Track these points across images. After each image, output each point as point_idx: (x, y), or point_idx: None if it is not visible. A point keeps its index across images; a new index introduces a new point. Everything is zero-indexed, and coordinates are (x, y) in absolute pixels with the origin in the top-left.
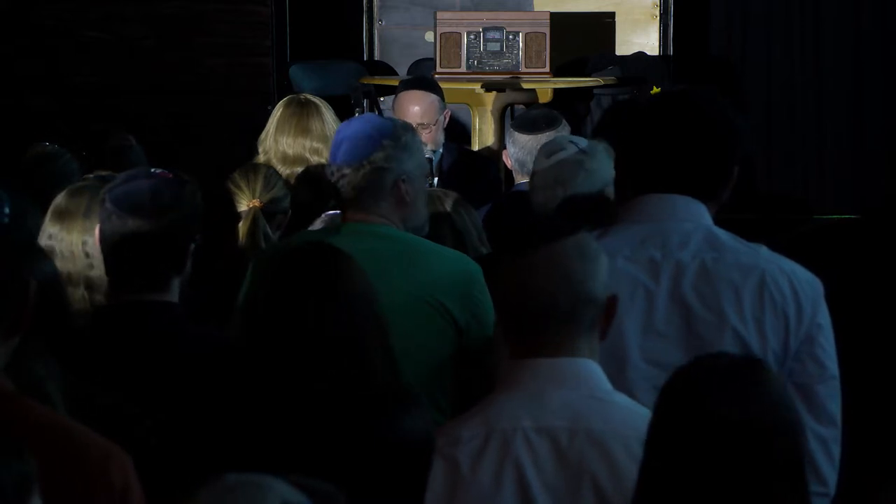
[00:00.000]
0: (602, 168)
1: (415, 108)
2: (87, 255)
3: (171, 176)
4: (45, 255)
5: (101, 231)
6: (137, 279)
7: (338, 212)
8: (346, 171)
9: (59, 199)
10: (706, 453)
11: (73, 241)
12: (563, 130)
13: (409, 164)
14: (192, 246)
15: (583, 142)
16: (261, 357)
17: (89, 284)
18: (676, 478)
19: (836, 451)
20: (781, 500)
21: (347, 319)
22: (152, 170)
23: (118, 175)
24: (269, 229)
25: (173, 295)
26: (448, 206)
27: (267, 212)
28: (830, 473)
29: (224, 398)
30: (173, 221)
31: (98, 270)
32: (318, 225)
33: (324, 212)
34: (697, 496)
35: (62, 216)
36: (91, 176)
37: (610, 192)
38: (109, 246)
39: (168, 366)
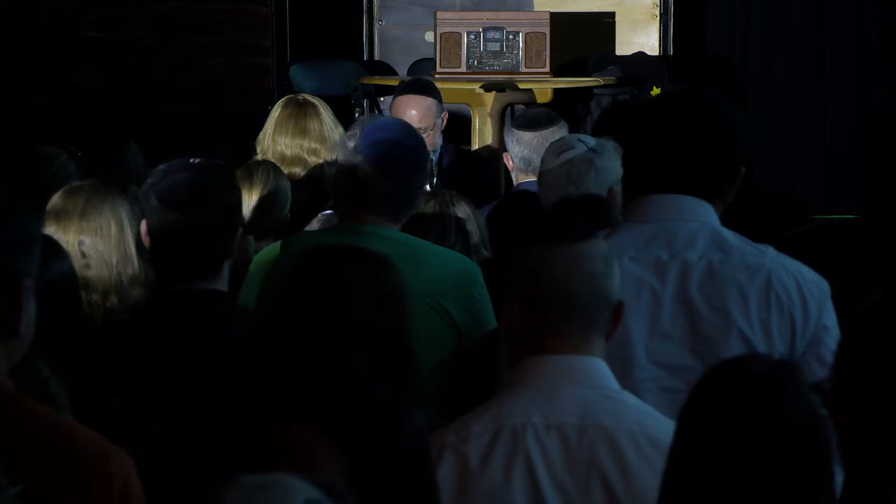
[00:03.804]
0: (611, 166)
1: (412, 112)
2: (83, 254)
3: (209, 164)
4: (62, 255)
5: (149, 226)
6: (188, 271)
7: (332, 212)
8: (398, 181)
9: (56, 199)
10: (739, 453)
11: (70, 241)
12: (563, 129)
13: (428, 169)
14: (240, 230)
15: (590, 140)
16: (266, 356)
17: (86, 284)
18: (707, 477)
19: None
20: (810, 500)
21: (377, 321)
22: (191, 160)
23: (157, 168)
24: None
25: (224, 281)
26: (456, 206)
27: (262, 230)
28: (835, 473)
29: (226, 393)
30: (218, 209)
31: (94, 270)
32: (315, 225)
33: (320, 212)
34: (727, 494)
35: (58, 216)
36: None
37: (619, 190)
38: (158, 241)
39: (218, 354)
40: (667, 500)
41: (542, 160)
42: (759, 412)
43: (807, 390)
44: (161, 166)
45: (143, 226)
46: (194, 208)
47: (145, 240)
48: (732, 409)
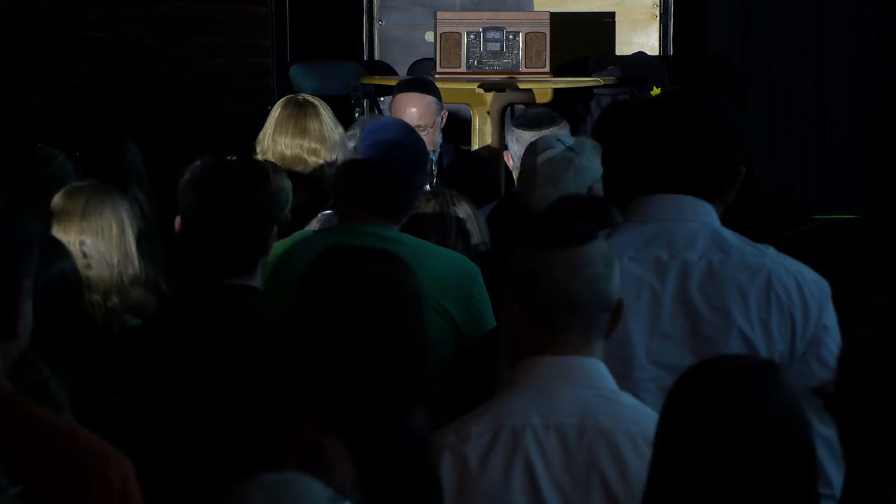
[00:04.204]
0: (590, 165)
1: (412, 109)
2: (84, 255)
3: (247, 161)
4: (65, 254)
5: (184, 222)
6: (224, 266)
7: (333, 212)
8: (398, 181)
9: (56, 199)
10: (718, 451)
11: (71, 242)
12: (564, 129)
13: (428, 169)
14: (275, 228)
15: (569, 139)
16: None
17: (87, 284)
18: (686, 474)
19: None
20: (791, 499)
21: (394, 325)
22: (228, 157)
23: (193, 164)
24: None
25: (257, 278)
26: (456, 205)
27: None
28: (836, 475)
29: (242, 391)
30: (256, 206)
31: (95, 271)
32: (314, 225)
33: (320, 212)
34: (707, 493)
35: (59, 217)
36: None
37: (598, 188)
38: (195, 236)
39: (248, 351)
40: (651, 494)
41: (522, 160)
42: (734, 409)
43: (786, 389)
44: (197, 162)
45: (178, 220)
46: (233, 205)
47: (178, 230)
48: (708, 406)
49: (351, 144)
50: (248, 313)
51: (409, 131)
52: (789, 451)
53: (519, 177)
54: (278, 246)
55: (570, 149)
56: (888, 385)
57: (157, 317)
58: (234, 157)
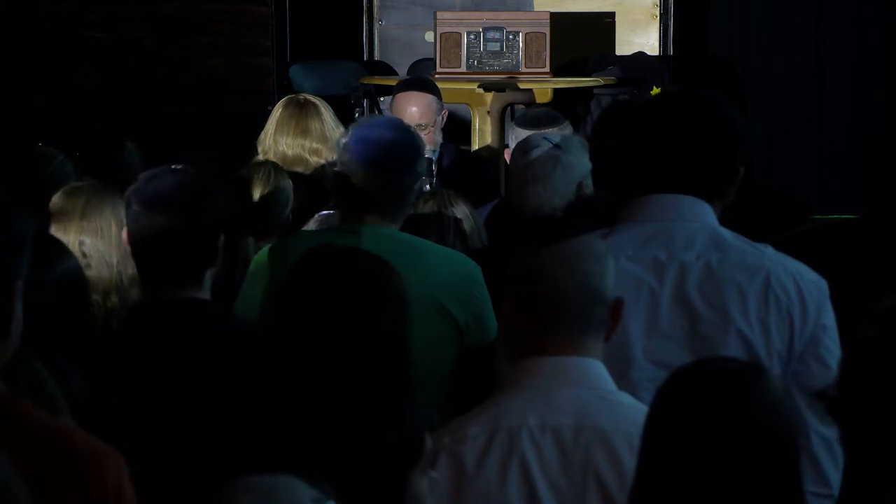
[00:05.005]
0: (578, 161)
1: (412, 108)
2: (84, 255)
3: (193, 170)
4: (67, 254)
5: (130, 232)
6: (171, 276)
7: (331, 212)
8: (385, 178)
9: (56, 199)
10: (701, 451)
11: (70, 242)
12: (566, 128)
13: (422, 167)
14: (223, 238)
15: (555, 137)
16: (275, 355)
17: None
18: (671, 475)
19: (840, 451)
20: (776, 499)
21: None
22: (173, 166)
23: (140, 175)
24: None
25: (206, 289)
26: (454, 205)
27: (263, 230)
28: (834, 474)
29: (230, 395)
30: (201, 215)
31: (95, 270)
32: (312, 225)
33: (318, 212)
34: (692, 493)
35: (59, 217)
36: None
37: (587, 185)
38: (140, 246)
39: (199, 363)
40: (638, 491)
41: (511, 160)
42: (720, 410)
43: (772, 391)
44: (145, 172)
45: (125, 232)
46: (175, 213)
47: (125, 246)
48: (694, 406)
49: (343, 142)
50: (192, 325)
51: (397, 127)
52: (774, 452)
53: (507, 178)
54: (276, 246)
55: (556, 146)
56: (889, 388)
57: (107, 330)
58: (182, 167)
